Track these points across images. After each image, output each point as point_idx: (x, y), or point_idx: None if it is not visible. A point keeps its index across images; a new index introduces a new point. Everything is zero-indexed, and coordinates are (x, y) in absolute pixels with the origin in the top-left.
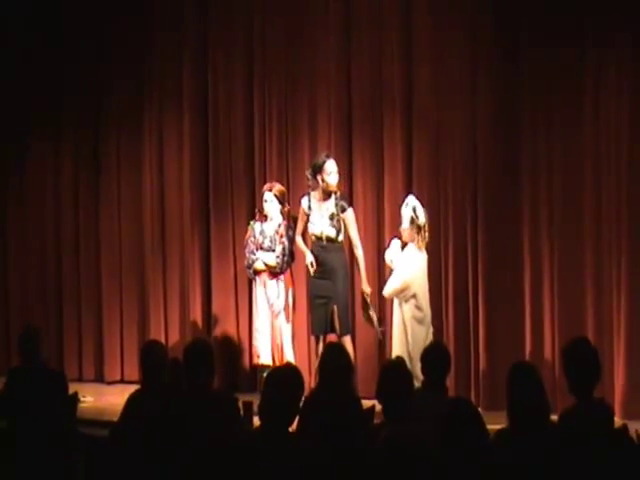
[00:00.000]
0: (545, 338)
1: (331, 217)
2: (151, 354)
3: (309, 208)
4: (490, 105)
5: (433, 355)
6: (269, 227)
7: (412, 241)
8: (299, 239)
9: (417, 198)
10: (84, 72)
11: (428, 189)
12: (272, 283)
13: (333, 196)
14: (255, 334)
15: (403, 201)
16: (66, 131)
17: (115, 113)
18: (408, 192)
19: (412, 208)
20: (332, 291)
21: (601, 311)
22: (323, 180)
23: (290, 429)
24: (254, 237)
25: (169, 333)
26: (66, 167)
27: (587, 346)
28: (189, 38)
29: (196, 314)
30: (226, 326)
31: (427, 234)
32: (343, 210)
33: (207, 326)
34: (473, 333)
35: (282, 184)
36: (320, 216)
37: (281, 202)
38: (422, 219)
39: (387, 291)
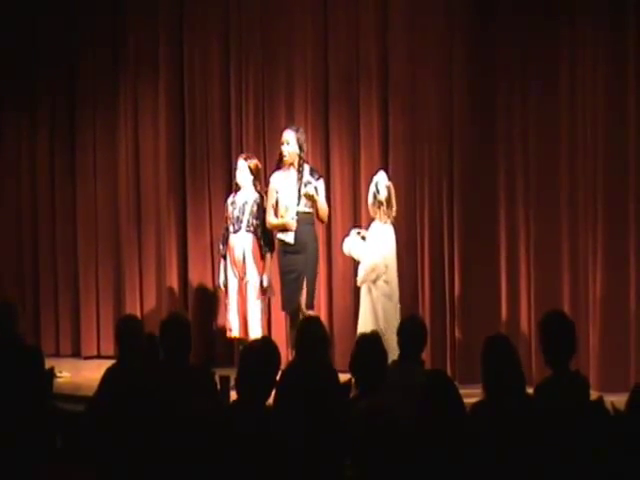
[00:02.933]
0: (521, 310)
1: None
2: (127, 329)
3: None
4: (466, 76)
5: (409, 328)
6: (240, 197)
7: (375, 216)
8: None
9: (389, 171)
10: (56, 42)
11: (404, 161)
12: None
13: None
14: (227, 307)
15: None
16: (41, 102)
17: (90, 85)
18: (381, 166)
19: (375, 183)
20: (303, 265)
21: (577, 283)
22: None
23: (267, 402)
24: (227, 211)
25: (145, 307)
26: (41, 139)
27: (563, 319)
28: (164, 10)
29: (172, 287)
30: (203, 299)
31: (394, 209)
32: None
33: (183, 299)
34: (449, 306)
35: (258, 156)
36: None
37: (254, 175)
38: (383, 194)
39: (360, 280)
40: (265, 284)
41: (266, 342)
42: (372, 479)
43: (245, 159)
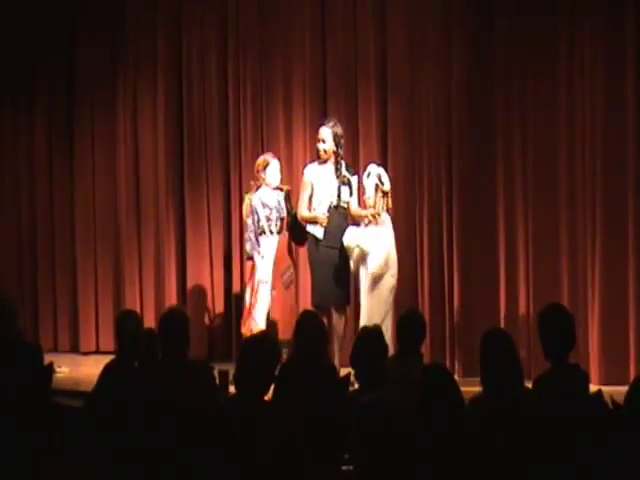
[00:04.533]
0: (520, 306)
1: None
2: (126, 324)
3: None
4: (464, 72)
5: (408, 322)
6: (272, 197)
7: (374, 206)
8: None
9: (388, 166)
10: (56, 40)
11: (403, 157)
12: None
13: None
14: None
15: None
16: (39, 100)
17: (89, 82)
18: (380, 161)
19: (377, 175)
20: (338, 261)
21: (576, 278)
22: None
23: (265, 397)
24: (257, 211)
25: (144, 303)
26: (39, 138)
27: (562, 312)
28: (163, 7)
29: (171, 283)
30: (201, 295)
31: (390, 200)
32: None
33: (182, 295)
34: (448, 301)
35: (257, 153)
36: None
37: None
38: (387, 185)
39: (375, 270)
40: (286, 277)
41: (265, 337)
42: (372, 474)
43: (279, 159)
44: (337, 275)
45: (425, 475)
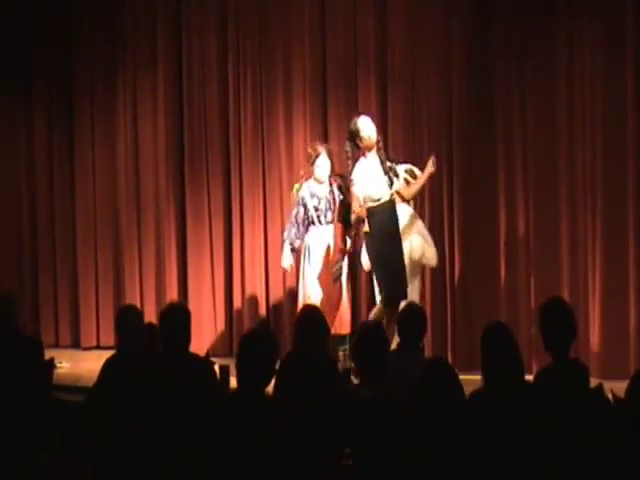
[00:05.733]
0: (520, 298)
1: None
2: (126, 319)
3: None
4: (464, 61)
5: (409, 316)
6: (322, 189)
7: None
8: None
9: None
10: (54, 34)
11: (403, 146)
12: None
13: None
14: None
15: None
16: (38, 91)
17: (88, 75)
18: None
19: (408, 169)
20: (393, 253)
21: (576, 272)
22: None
23: (266, 390)
24: (301, 203)
25: (145, 298)
26: (39, 130)
27: (563, 305)
28: (163, 2)
29: (172, 278)
30: (202, 289)
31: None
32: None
33: (183, 290)
34: (449, 294)
35: (256, 145)
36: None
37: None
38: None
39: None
40: (336, 269)
41: (265, 330)
42: (372, 468)
43: (325, 149)
44: (397, 267)
45: (425, 470)
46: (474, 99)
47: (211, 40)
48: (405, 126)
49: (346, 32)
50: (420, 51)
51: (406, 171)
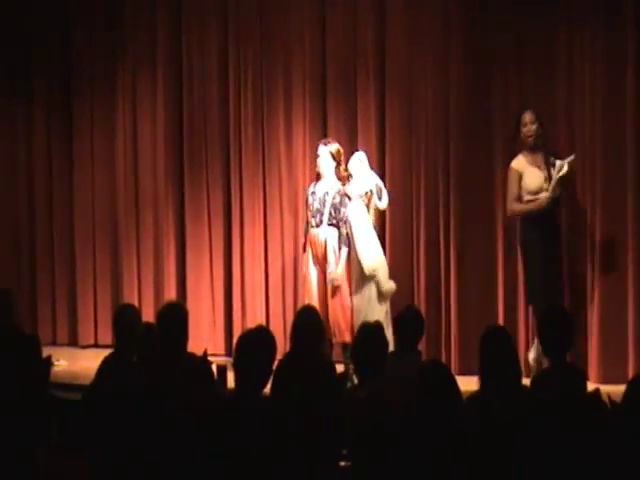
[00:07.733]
0: (518, 302)
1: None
2: (124, 318)
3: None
4: (463, 64)
5: (406, 318)
6: (320, 187)
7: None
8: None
9: (386, 161)
10: (54, 34)
11: (400, 150)
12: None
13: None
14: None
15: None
16: (37, 87)
17: (88, 75)
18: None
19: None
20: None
21: (574, 276)
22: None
23: (263, 391)
24: (307, 201)
25: (143, 297)
26: (39, 130)
27: (561, 311)
28: (163, 1)
29: (170, 277)
30: (201, 289)
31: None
32: None
33: (181, 289)
34: (445, 297)
35: (256, 143)
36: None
37: (337, 162)
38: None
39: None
40: (331, 277)
41: (262, 330)
42: (370, 469)
43: (325, 144)
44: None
45: (422, 470)
46: (473, 99)
47: (211, 40)
48: (404, 127)
49: (346, 34)
50: (419, 53)
51: None
